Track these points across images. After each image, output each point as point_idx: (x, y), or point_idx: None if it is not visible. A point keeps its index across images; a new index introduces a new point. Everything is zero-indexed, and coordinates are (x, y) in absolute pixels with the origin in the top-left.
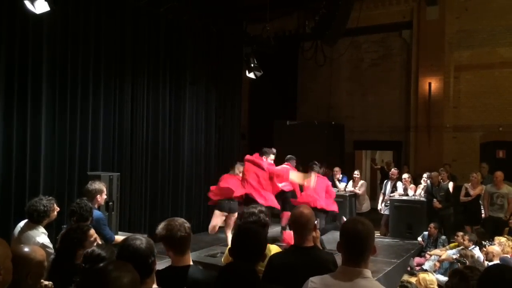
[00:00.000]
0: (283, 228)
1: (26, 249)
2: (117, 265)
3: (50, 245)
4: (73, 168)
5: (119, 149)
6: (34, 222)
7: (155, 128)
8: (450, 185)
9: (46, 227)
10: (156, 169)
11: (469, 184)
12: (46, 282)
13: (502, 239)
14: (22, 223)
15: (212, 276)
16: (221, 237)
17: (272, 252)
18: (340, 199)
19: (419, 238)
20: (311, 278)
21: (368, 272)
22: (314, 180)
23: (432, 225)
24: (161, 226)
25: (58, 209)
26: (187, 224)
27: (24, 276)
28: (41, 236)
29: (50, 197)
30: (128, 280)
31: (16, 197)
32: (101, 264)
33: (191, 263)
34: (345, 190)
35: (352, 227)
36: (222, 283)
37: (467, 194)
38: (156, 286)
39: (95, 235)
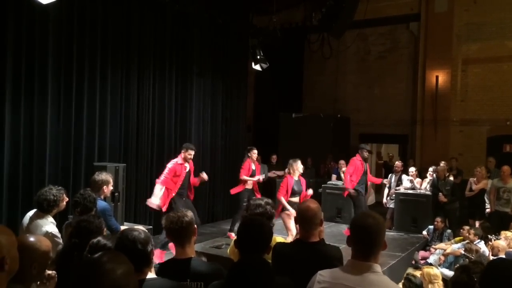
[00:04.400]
0: None
1: (31, 239)
2: (111, 256)
3: (59, 235)
4: (80, 159)
5: (125, 140)
6: (43, 211)
7: (161, 119)
8: (451, 178)
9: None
10: (162, 160)
11: (474, 179)
12: (50, 272)
13: (508, 233)
14: (31, 213)
15: (215, 268)
16: (225, 229)
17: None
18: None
19: (424, 232)
20: (319, 271)
21: (378, 267)
22: None
23: (438, 219)
24: (164, 217)
25: (67, 199)
26: (187, 218)
27: (28, 266)
28: (49, 225)
29: (60, 187)
30: (122, 272)
31: (23, 188)
32: (96, 255)
33: (194, 255)
34: None
35: (362, 221)
36: (237, 278)
37: (471, 189)
38: (154, 275)
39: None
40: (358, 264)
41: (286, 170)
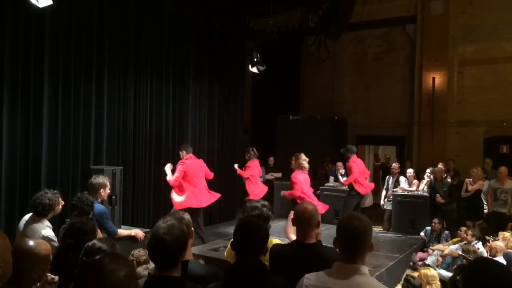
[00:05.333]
0: None
1: (31, 244)
2: (113, 258)
3: (55, 239)
4: (77, 162)
5: (123, 143)
6: (39, 215)
7: (158, 122)
8: (448, 179)
9: (49, 221)
10: (159, 163)
11: (470, 179)
12: (53, 276)
13: (506, 234)
14: (27, 217)
15: (212, 271)
16: (223, 232)
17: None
18: (343, 194)
19: (421, 233)
20: (306, 275)
21: (365, 269)
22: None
23: (436, 220)
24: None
25: (63, 202)
26: (184, 221)
27: (28, 271)
28: (46, 229)
29: (55, 191)
30: (124, 274)
31: (20, 191)
32: (97, 257)
33: (191, 258)
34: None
35: (348, 223)
36: (233, 280)
37: (467, 189)
38: (182, 277)
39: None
40: (345, 267)
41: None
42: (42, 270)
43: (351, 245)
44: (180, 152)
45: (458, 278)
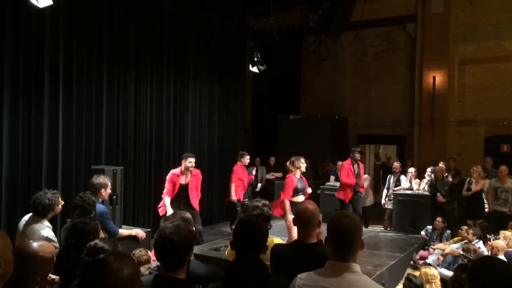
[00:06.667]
0: None
1: (35, 247)
2: (117, 257)
3: (55, 239)
4: (78, 162)
5: (123, 143)
6: (39, 215)
7: (159, 122)
8: (449, 178)
9: (50, 221)
10: (159, 163)
11: (473, 180)
12: (53, 277)
13: (507, 233)
14: (26, 217)
15: (213, 271)
16: (223, 231)
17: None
18: None
19: (422, 232)
20: (299, 275)
21: (356, 266)
22: None
23: (439, 219)
24: (162, 220)
25: (63, 202)
26: (188, 220)
27: (32, 275)
28: (45, 229)
29: (55, 191)
30: (128, 272)
31: (22, 191)
32: (102, 255)
33: (192, 257)
34: None
35: (338, 222)
36: (233, 278)
37: (469, 188)
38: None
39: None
40: (337, 265)
41: (289, 167)
42: (46, 272)
43: (342, 243)
44: (194, 160)
45: (462, 276)
